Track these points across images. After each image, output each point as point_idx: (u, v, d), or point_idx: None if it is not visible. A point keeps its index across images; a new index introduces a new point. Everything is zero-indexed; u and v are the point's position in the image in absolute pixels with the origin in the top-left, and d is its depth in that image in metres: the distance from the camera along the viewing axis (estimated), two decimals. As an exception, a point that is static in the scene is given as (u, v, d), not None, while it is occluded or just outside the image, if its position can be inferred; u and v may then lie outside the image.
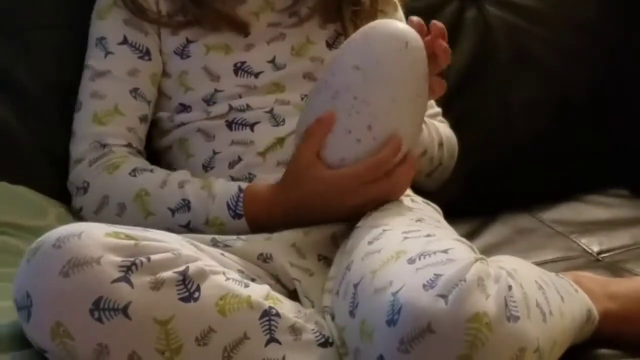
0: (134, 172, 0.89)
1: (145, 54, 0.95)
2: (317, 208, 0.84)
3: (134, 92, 0.94)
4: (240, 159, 0.91)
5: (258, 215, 0.85)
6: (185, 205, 0.86)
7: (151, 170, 0.90)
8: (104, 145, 0.92)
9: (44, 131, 0.98)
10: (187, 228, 0.86)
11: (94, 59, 0.95)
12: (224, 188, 0.87)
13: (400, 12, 1.03)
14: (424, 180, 1.00)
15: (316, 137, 0.83)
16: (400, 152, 0.83)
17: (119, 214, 0.88)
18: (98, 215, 0.89)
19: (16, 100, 0.99)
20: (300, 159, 0.84)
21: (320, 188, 0.83)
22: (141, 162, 0.92)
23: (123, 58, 0.94)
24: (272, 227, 0.84)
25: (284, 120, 0.92)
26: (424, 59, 0.83)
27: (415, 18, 0.86)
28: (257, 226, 0.85)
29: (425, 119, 0.92)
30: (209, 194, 0.86)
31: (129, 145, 0.93)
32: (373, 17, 0.97)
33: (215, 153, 0.92)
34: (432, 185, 1.02)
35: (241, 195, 0.85)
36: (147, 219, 0.87)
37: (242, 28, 0.95)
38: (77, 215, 0.92)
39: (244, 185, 0.87)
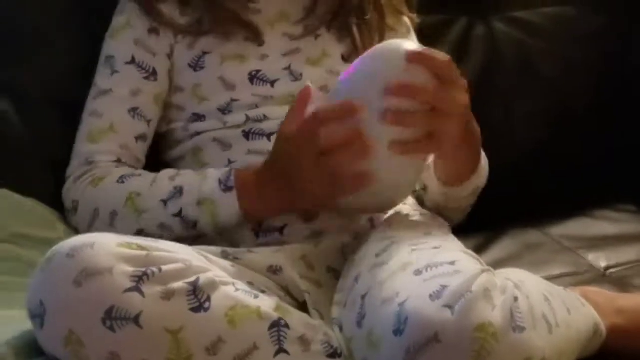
0: (121, 179, 0.90)
1: (152, 75, 0.96)
2: (289, 168, 0.82)
3: (133, 111, 0.94)
4: None
5: (248, 191, 0.84)
6: (178, 191, 0.86)
7: (139, 175, 0.90)
8: (91, 162, 0.93)
9: (48, 141, 1.00)
10: (180, 217, 0.86)
11: (100, 77, 0.96)
12: (217, 170, 0.87)
13: (413, 35, 1.04)
14: (456, 215, 0.97)
15: (293, 111, 0.82)
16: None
17: (111, 223, 0.88)
18: (91, 230, 0.89)
19: (21, 110, 1.00)
20: (281, 129, 0.83)
21: (285, 143, 0.82)
22: (128, 170, 0.92)
23: (128, 77, 0.95)
24: (263, 207, 0.84)
25: None
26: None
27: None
28: (248, 207, 0.84)
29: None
30: (202, 176, 0.87)
31: (119, 161, 0.93)
32: (382, 34, 0.98)
33: (230, 162, 0.92)
34: (459, 219, 0.99)
35: (233, 171, 0.85)
36: (140, 219, 0.87)
37: (255, 33, 0.95)
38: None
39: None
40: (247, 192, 0.85)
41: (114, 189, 0.89)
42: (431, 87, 0.79)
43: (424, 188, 0.96)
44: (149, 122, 0.96)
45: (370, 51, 0.84)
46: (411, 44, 0.83)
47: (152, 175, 0.90)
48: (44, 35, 1.03)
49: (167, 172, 0.90)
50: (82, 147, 0.94)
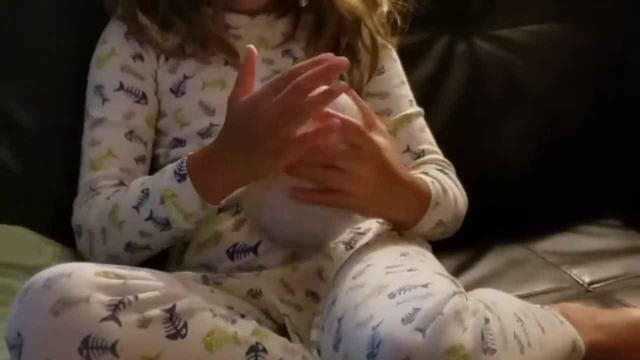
0: (109, 197, 0.90)
1: (142, 98, 0.97)
2: (244, 139, 0.80)
3: (129, 134, 0.95)
4: None
5: (200, 171, 0.82)
6: (145, 195, 0.86)
7: (125, 188, 0.91)
8: (94, 189, 0.93)
9: (41, 170, 1.01)
10: (152, 220, 0.85)
11: (92, 108, 0.97)
12: (174, 162, 0.85)
13: (397, 58, 1.04)
14: (432, 237, 0.94)
15: (242, 79, 0.81)
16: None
17: (104, 241, 0.89)
18: (92, 252, 0.90)
19: (14, 140, 1.02)
20: (230, 99, 0.82)
21: (241, 113, 0.80)
22: (119, 188, 0.92)
23: (119, 103, 0.96)
24: (217, 182, 0.82)
25: None
26: None
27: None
28: (207, 187, 0.82)
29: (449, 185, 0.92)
30: (161, 173, 0.86)
31: (120, 184, 0.94)
32: (372, 72, 0.99)
33: None
34: (438, 238, 0.96)
35: (185, 159, 0.84)
36: (123, 231, 0.87)
37: (234, 56, 0.96)
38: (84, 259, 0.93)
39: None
40: (200, 174, 0.83)
41: (102, 207, 0.90)
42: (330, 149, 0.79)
43: None
44: (145, 143, 0.96)
45: None
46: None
47: (131, 185, 0.90)
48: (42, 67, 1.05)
49: (139, 179, 0.90)
50: (85, 176, 0.95)
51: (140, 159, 0.96)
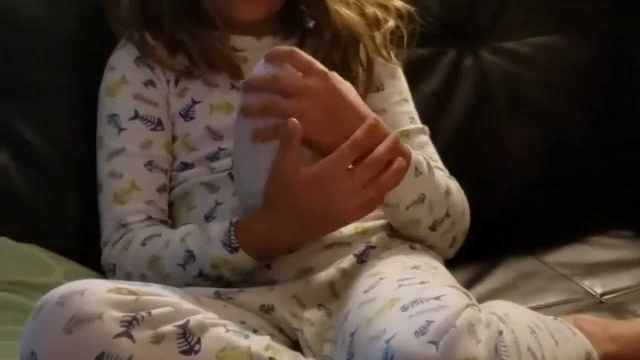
0: (144, 242, 0.91)
1: (158, 125, 0.96)
2: (314, 221, 0.84)
3: (149, 164, 0.95)
4: None
5: (255, 245, 0.85)
6: (191, 256, 0.87)
7: (159, 235, 0.91)
8: (124, 225, 0.93)
9: (50, 188, 1.02)
10: (201, 277, 0.87)
11: (108, 137, 0.97)
12: (218, 228, 0.87)
13: (400, 75, 1.03)
14: (430, 235, 0.92)
15: (288, 149, 0.82)
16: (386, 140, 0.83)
17: (145, 285, 0.86)
18: None
19: (20, 156, 1.02)
20: (282, 173, 0.83)
21: (307, 193, 0.82)
22: (152, 230, 0.92)
23: (136, 132, 0.96)
24: (279, 250, 0.85)
25: None
26: None
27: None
28: (261, 254, 0.85)
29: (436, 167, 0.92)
30: (207, 238, 0.87)
31: (149, 218, 0.94)
32: (368, 87, 0.98)
33: (217, 204, 0.93)
34: (444, 246, 0.94)
35: (232, 229, 0.85)
36: (167, 281, 0.87)
37: (240, 77, 0.96)
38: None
39: (234, 219, 0.87)
40: (252, 238, 0.85)
41: (139, 253, 0.90)
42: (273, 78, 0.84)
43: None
44: (165, 171, 0.96)
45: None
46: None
47: (169, 235, 0.91)
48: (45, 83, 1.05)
49: (180, 232, 0.90)
50: (111, 209, 0.94)
51: (162, 189, 0.96)
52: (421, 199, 0.88)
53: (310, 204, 0.82)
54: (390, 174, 0.83)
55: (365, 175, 0.82)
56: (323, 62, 0.86)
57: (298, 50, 0.85)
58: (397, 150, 0.84)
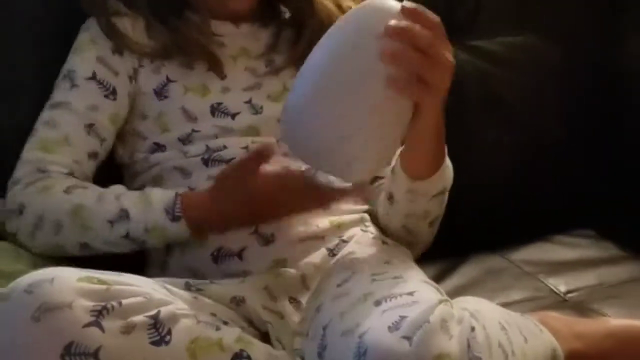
0: (68, 190, 0.89)
1: (112, 93, 0.95)
2: (253, 206, 0.85)
3: (89, 127, 0.94)
4: None
5: (196, 217, 0.85)
6: (124, 215, 0.86)
7: (85, 187, 0.90)
8: (43, 171, 0.91)
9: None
10: (127, 238, 0.86)
11: (58, 90, 0.96)
12: (161, 195, 0.87)
13: None
14: (424, 232, 0.94)
15: (258, 157, 0.84)
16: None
17: (56, 233, 0.88)
18: (34, 237, 0.89)
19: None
20: (242, 165, 0.85)
21: (264, 190, 0.84)
22: (75, 181, 0.91)
23: (87, 92, 0.95)
24: (212, 228, 0.85)
25: None
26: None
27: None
28: (198, 228, 0.86)
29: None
30: (147, 202, 0.86)
31: (71, 174, 0.93)
32: None
33: (191, 189, 0.92)
34: (425, 241, 0.97)
35: (178, 198, 0.86)
36: (85, 234, 0.86)
37: (217, 65, 0.96)
38: (13, 240, 0.91)
39: (180, 190, 0.87)
40: (195, 220, 0.85)
41: (60, 199, 0.88)
42: (427, 36, 0.77)
43: (391, 198, 0.93)
44: (102, 140, 0.95)
45: (354, 9, 0.82)
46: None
47: (98, 190, 0.90)
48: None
49: (113, 190, 0.89)
50: (33, 154, 0.93)
51: (92, 155, 0.95)
52: (442, 192, 0.91)
53: (255, 198, 0.84)
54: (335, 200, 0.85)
55: (317, 205, 0.84)
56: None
57: (439, 20, 0.79)
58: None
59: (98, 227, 0.86)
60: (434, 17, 0.78)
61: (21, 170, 0.92)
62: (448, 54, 0.78)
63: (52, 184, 0.90)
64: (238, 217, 0.85)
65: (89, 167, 0.94)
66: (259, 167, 0.83)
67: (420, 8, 0.79)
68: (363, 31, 0.79)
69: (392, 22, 0.76)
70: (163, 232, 0.85)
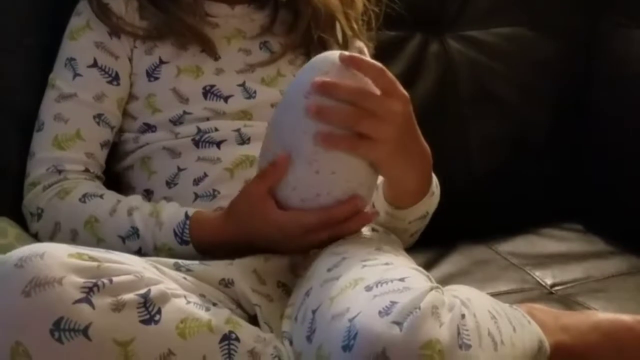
0: (83, 198, 0.90)
1: (115, 79, 0.96)
2: (262, 245, 0.85)
3: (98, 117, 0.94)
4: (206, 175, 0.92)
5: (204, 243, 0.87)
6: (134, 233, 0.87)
7: (101, 196, 0.90)
8: (60, 171, 0.92)
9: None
10: (139, 254, 0.86)
11: (61, 80, 0.96)
12: (172, 214, 0.87)
13: (367, 53, 1.04)
14: (406, 240, 0.96)
15: (268, 178, 0.82)
16: (357, 209, 0.82)
17: (73, 239, 0.89)
18: (53, 240, 0.89)
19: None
20: (251, 196, 0.84)
21: (266, 229, 0.83)
22: (93, 187, 0.92)
23: (91, 81, 0.95)
24: (219, 254, 0.85)
25: (249, 140, 0.94)
26: None
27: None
28: (205, 252, 0.87)
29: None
30: (157, 221, 0.87)
31: (87, 170, 0.94)
32: None
33: (180, 170, 0.93)
34: (408, 244, 0.97)
35: (187, 222, 0.86)
36: (100, 245, 0.87)
37: (209, 46, 0.96)
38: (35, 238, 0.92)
39: (191, 211, 0.87)
40: (203, 237, 0.86)
41: (76, 208, 0.89)
42: (361, 90, 0.78)
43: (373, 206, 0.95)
44: (112, 128, 0.96)
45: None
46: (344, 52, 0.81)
47: (112, 200, 0.90)
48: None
49: (126, 203, 0.90)
50: (48, 152, 0.93)
51: (105, 144, 0.96)
52: (424, 216, 0.92)
53: (260, 231, 0.83)
54: (345, 230, 0.83)
55: (322, 237, 0.83)
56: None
57: (383, 67, 0.79)
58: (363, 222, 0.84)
59: (111, 241, 0.88)
60: (375, 65, 0.79)
61: (38, 171, 0.93)
62: (390, 101, 0.78)
63: (69, 188, 0.91)
64: (249, 241, 0.85)
65: (102, 156, 0.95)
66: (268, 192, 0.83)
67: (358, 57, 0.79)
68: (297, 87, 0.80)
69: (317, 78, 0.77)
70: (171, 252, 0.86)
